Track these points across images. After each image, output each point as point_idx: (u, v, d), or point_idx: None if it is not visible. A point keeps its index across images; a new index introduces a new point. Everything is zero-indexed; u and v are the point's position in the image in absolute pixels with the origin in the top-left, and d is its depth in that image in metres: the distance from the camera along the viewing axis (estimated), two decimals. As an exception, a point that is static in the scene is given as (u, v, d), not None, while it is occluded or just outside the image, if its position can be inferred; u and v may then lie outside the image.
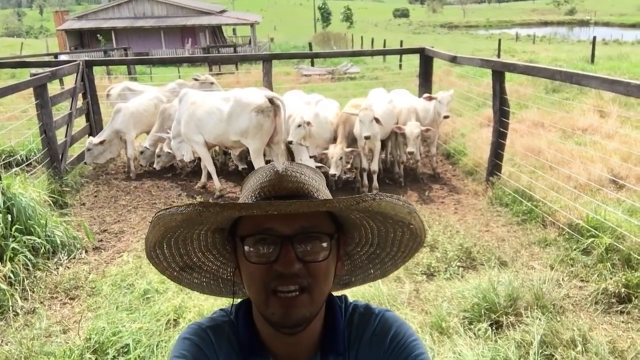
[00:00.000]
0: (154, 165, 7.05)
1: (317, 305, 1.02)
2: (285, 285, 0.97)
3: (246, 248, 0.99)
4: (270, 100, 5.92)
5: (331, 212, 1.02)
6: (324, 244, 0.99)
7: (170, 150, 6.77)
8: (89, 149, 6.88)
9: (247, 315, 1.11)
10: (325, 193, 1.04)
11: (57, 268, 4.46)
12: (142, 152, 7.14)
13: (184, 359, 1.04)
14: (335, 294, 1.15)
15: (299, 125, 5.82)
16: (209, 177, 6.54)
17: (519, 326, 3.31)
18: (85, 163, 7.08)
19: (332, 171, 5.85)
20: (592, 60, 19.06)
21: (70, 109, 7.11)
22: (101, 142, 6.84)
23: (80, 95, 7.50)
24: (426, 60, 8.22)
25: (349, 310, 1.15)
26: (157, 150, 7.01)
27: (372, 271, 1.21)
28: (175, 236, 1.06)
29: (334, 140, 6.22)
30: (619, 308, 3.63)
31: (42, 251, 4.51)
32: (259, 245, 0.98)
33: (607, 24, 73.99)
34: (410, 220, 1.05)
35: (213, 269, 1.18)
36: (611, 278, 3.85)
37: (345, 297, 1.17)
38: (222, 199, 6.26)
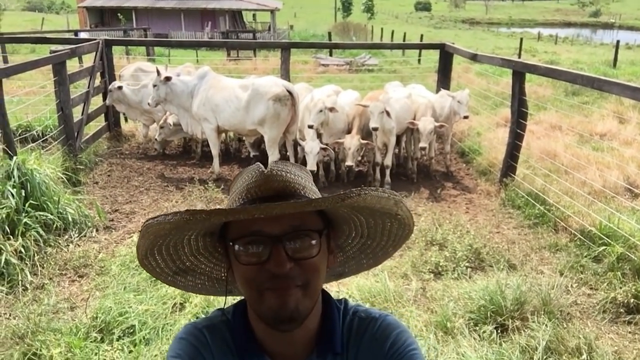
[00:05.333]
0: (155, 136, 7.01)
1: (311, 300, 1.03)
2: (278, 285, 0.98)
3: (237, 250, 0.99)
4: (288, 90, 5.90)
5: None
6: (314, 241, 1.00)
7: (174, 122, 6.74)
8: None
9: (244, 315, 1.11)
10: (312, 190, 1.04)
11: (68, 245, 4.51)
12: (162, 127, 7.07)
13: (180, 359, 1.04)
14: (335, 297, 1.16)
15: (321, 111, 5.81)
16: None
17: (524, 331, 3.30)
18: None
19: (348, 162, 5.84)
20: (615, 65, 18.77)
21: (88, 87, 7.14)
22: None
23: (98, 74, 7.52)
24: (446, 56, 8.15)
25: (348, 313, 1.15)
26: (161, 122, 6.97)
27: (364, 261, 1.21)
28: (166, 243, 1.06)
29: (348, 131, 6.20)
30: (627, 318, 3.60)
31: (53, 228, 4.56)
32: (249, 246, 0.99)
33: (631, 28, 72.78)
34: (397, 210, 1.05)
35: (207, 270, 1.18)
36: (621, 287, 3.81)
37: (346, 300, 1.17)
38: (222, 182, 6.27)
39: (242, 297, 1.14)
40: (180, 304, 3.56)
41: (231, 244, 1.00)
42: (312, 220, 1.01)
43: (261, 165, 1.02)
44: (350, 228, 1.13)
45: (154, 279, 3.78)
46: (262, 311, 1.01)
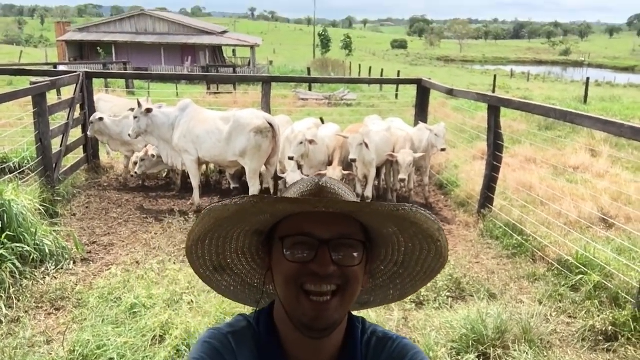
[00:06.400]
0: (136, 169, 6.88)
1: (345, 309, 1.06)
2: (319, 285, 1.01)
3: (285, 247, 1.03)
4: (269, 122, 5.96)
5: (364, 226, 1.07)
6: (357, 252, 1.04)
7: (155, 154, 6.71)
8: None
9: (269, 321, 1.13)
10: None
11: (44, 277, 4.41)
12: (142, 160, 6.93)
13: None
14: (354, 315, 1.19)
15: (301, 143, 5.87)
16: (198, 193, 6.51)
17: (506, 359, 3.31)
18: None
19: None
20: (585, 101, 19.37)
21: (68, 119, 7.11)
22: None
23: (78, 106, 7.51)
24: (423, 91, 8.33)
25: (367, 332, 1.17)
26: (142, 154, 6.87)
27: (391, 292, 1.24)
28: (218, 233, 1.11)
29: (329, 163, 6.26)
30: (606, 346, 3.64)
31: (30, 260, 4.47)
32: (297, 246, 1.02)
33: (600, 66, 75.49)
34: (438, 237, 1.08)
35: (243, 273, 1.22)
36: (599, 315, 3.87)
37: (363, 319, 1.20)
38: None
39: (263, 307, 1.17)
40: (160, 336, 3.50)
41: (280, 241, 1.04)
42: (358, 232, 1.05)
43: (316, 178, 1.08)
44: (387, 252, 1.16)
45: (133, 311, 3.76)
46: (297, 316, 1.03)
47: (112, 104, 8.02)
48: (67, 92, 9.16)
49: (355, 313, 1.20)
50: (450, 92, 7.47)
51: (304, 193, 1.07)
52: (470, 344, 3.44)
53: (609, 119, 4.19)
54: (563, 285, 4.41)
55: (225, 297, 1.28)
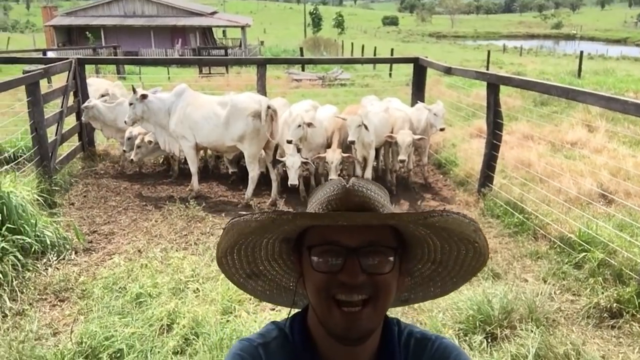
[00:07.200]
0: (132, 156, 6.72)
1: (379, 317, 1.04)
2: (349, 295, 0.98)
3: (313, 257, 1.01)
4: (267, 106, 5.90)
5: (395, 228, 1.04)
6: (388, 258, 1.01)
7: (152, 140, 6.60)
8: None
9: (303, 327, 1.11)
10: (389, 208, 1.05)
11: (47, 269, 4.39)
12: (139, 147, 6.74)
13: None
14: (388, 316, 1.16)
15: (299, 126, 5.81)
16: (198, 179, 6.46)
17: (513, 339, 3.33)
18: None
19: (332, 176, 5.83)
20: (579, 75, 19.33)
21: (62, 107, 7.02)
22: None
23: (71, 93, 7.41)
24: (420, 69, 8.26)
25: (403, 334, 1.15)
26: (138, 141, 6.70)
27: (432, 289, 1.21)
28: (246, 244, 1.09)
29: (328, 146, 6.22)
30: (611, 323, 3.67)
31: (31, 251, 4.44)
32: (325, 255, 1.00)
33: (592, 39, 75.22)
34: (475, 238, 1.04)
35: (277, 277, 1.21)
36: (603, 293, 3.89)
37: (398, 320, 1.17)
38: (203, 200, 6.23)
39: (298, 310, 1.15)
40: (168, 325, 3.50)
41: (307, 250, 1.02)
42: (388, 237, 1.01)
43: (343, 180, 1.05)
44: (423, 252, 1.12)
45: (139, 300, 3.75)
46: (330, 326, 1.01)
47: (94, 88, 7.91)
48: (58, 79, 9.01)
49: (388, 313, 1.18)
50: (449, 71, 7.41)
51: (330, 197, 1.02)
52: (477, 324, 3.46)
53: (612, 96, 4.16)
54: (566, 263, 4.43)
55: (262, 300, 1.27)
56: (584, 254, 4.40)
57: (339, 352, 1.06)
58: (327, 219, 0.98)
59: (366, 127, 5.94)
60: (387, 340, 1.11)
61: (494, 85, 5.94)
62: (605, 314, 3.75)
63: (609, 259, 4.23)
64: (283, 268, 1.19)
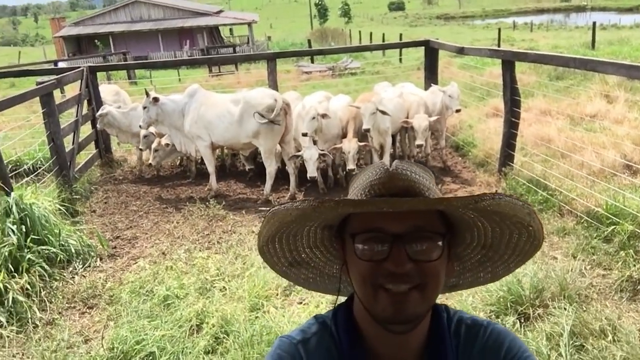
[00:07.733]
0: (150, 160, 6.80)
1: (428, 304, 0.99)
2: (396, 285, 0.94)
3: (356, 245, 0.97)
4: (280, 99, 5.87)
5: (443, 211, 0.99)
6: (436, 244, 0.96)
7: (169, 143, 6.62)
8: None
9: (348, 318, 1.08)
10: (435, 192, 1.00)
11: (73, 277, 4.43)
12: (156, 150, 6.83)
13: None
14: (437, 303, 1.12)
15: (313, 118, 5.77)
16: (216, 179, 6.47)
17: (547, 318, 3.27)
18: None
19: (350, 166, 5.79)
20: (593, 46, 18.95)
21: (77, 116, 7.06)
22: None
23: (85, 101, 7.45)
24: (431, 52, 8.15)
25: (453, 321, 1.10)
26: (155, 144, 6.77)
27: (482, 274, 1.15)
28: (287, 232, 1.06)
29: (343, 135, 6.17)
30: (646, 295, 3.58)
31: (57, 261, 4.48)
32: (369, 243, 0.96)
33: (603, 9, 73.75)
34: (529, 221, 0.99)
35: (320, 265, 1.17)
36: (635, 265, 3.81)
37: (446, 306, 1.13)
38: (223, 199, 6.22)
39: (341, 302, 1.12)
40: (197, 325, 3.50)
41: (351, 238, 0.98)
42: (435, 222, 0.97)
43: (386, 163, 1.00)
44: (472, 236, 1.06)
45: (167, 302, 3.76)
46: (376, 312, 0.97)
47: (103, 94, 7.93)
48: (71, 89, 9.07)
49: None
50: (461, 51, 7.29)
51: (373, 182, 0.97)
52: (509, 305, 3.41)
53: (633, 64, 4.05)
54: (595, 238, 4.34)
55: (306, 289, 1.24)
56: (612, 227, 4.30)
57: (386, 341, 1.02)
58: (371, 206, 0.92)
59: (385, 113, 5.87)
60: (437, 328, 1.07)
61: (509, 62, 5.82)
62: (638, 287, 3.66)
63: (639, 231, 4.13)
64: (326, 255, 1.15)
